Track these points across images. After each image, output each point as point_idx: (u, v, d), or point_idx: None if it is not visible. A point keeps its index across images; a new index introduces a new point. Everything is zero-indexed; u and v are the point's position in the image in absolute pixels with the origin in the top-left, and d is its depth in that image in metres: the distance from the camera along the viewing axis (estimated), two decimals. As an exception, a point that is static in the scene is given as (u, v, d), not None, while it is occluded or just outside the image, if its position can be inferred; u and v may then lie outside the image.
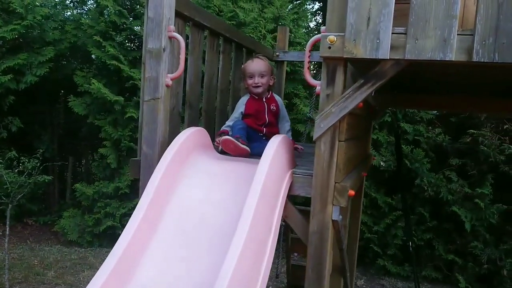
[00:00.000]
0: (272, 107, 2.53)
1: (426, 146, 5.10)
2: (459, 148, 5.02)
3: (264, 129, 2.47)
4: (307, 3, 8.37)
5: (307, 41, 6.17)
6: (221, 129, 2.49)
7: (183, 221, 1.68)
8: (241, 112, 2.50)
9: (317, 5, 9.79)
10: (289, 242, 4.04)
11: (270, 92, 2.59)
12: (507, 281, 4.74)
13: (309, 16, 7.96)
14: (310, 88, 5.92)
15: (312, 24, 9.41)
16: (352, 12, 1.62)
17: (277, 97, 2.60)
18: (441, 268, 5.03)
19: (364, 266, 5.27)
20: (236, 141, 2.15)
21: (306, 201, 2.09)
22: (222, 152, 2.30)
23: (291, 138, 2.46)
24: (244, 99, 2.56)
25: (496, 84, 2.70)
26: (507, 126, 4.76)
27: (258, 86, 2.48)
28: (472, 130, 4.84)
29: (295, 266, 4.55)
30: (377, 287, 4.97)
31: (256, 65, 2.50)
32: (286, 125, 2.55)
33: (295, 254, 5.02)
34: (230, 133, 2.31)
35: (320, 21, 10.04)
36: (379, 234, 5.14)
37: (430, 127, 5.17)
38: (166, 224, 1.68)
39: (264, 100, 2.53)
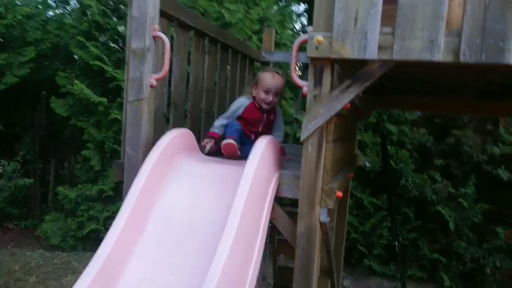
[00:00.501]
0: (271, 118, 2.50)
1: (411, 147, 5.15)
2: (443, 149, 5.07)
3: (253, 135, 2.44)
4: (293, 5, 8.39)
5: (293, 42, 6.16)
6: (212, 131, 2.45)
7: (169, 224, 1.64)
8: (239, 113, 2.45)
9: (302, 7, 9.81)
10: (275, 244, 4.02)
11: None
12: (490, 279, 4.81)
13: (294, 18, 7.98)
14: (296, 89, 5.91)
15: (297, 26, 9.43)
16: (340, 12, 1.61)
17: (278, 110, 2.55)
18: (426, 267, 5.08)
19: (350, 267, 5.28)
20: (237, 147, 2.15)
21: (293, 202, 2.08)
22: (209, 154, 2.27)
23: (281, 145, 2.44)
24: (244, 101, 2.48)
25: (480, 86, 2.73)
26: (489, 127, 4.83)
27: (270, 104, 2.42)
28: (455, 131, 4.90)
29: (281, 268, 4.53)
30: (363, 287, 4.99)
31: (276, 82, 2.39)
32: (279, 131, 2.51)
33: (282, 255, 5.00)
34: (224, 135, 2.29)
35: (306, 22, 10.06)
36: (364, 234, 5.17)
37: (414, 128, 5.22)
38: (152, 228, 1.64)
39: (265, 112, 2.46)
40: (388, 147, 4.93)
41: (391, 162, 4.91)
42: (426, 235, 5.05)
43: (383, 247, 5.13)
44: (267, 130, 2.51)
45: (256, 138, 2.38)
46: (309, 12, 9.65)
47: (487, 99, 3.11)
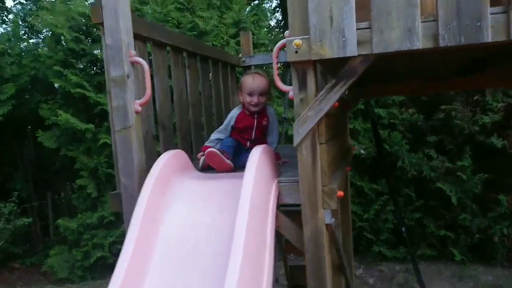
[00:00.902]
0: (263, 123, 2.49)
1: (402, 128, 5.16)
2: (434, 125, 5.09)
3: (248, 143, 2.44)
4: (265, 2, 8.38)
5: (270, 41, 6.14)
6: (205, 145, 2.45)
7: (174, 250, 1.63)
8: (232, 125, 2.47)
9: (275, 3, 9.81)
10: (283, 244, 4.01)
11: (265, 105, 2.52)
12: (499, 247, 4.84)
13: (268, 15, 7.98)
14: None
15: (272, 23, 9.44)
16: (314, 13, 1.60)
17: (270, 111, 2.53)
18: (434, 245, 5.09)
19: (360, 255, 5.29)
20: (221, 155, 2.12)
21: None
22: (203, 169, 2.26)
23: (275, 150, 2.43)
24: (235, 112, 2.50)
25: (460, 63, 2.73)
26: (476, 97, 4.85)
27: (257, 105, 2.42)
28: (444, 106, 4.92)
29: (292, 267, 4.53)
30: (376, 273, 5.00)
31: (258, 83, 2.41)
32: (273, 140, 2.49)
33: (291, 255, 5.00)
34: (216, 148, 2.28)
35: (280, 18, 10.07)
36: (369, 221, 5.17)
37: (403, 109, 5.23)
38: (158, 256, 1.62)
39: (255, 116, 2.46)
40: (380, 131, 4.94)
41: (385, 146, 4.93)
42: (430, 213, 5.07)
43: (390, 232, 5.14)
44: (262, 135, 2.50)
45: (251, 145, 2.40)
46: (282, 7, 9.65)
47: (469, 74, 3.12)
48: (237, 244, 1.45)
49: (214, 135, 2.53)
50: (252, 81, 2.42)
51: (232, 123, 2.48)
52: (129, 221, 1.75)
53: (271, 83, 2.62)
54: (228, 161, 2.15)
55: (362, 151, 5.01)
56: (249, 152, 2.29)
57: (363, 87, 3.28)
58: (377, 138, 4.03)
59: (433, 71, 3.09)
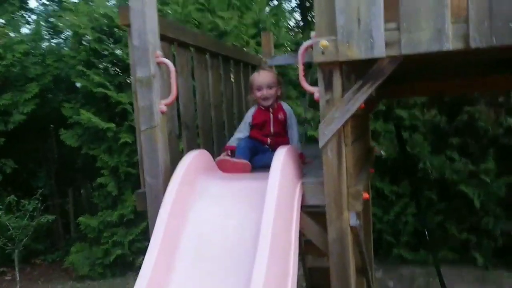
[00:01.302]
0: (279, 116, 2.52)
1: (424, 130, 5.08)
2: (457, 127, 5.00)
3: (269, 139, 2.48)
4: (284, 2, 8.37)
5: (290, 41, 6.13)
6: (228, 144, 2.47)
7: (200, 251, 1.63)
8: (249, 123, 2.54)
9: (294, 3, 9.78)
10: (302, 245, 3.99)
11: (278, 103, 2.57)
12: (524, 251, 4.73)
13: (287, 15, 7.96)
14: (300, 87, 5.88)
15: (291, 23, 9.41)
16: (341, 14, 1.59)
17: (285, 106, 2.58)
18: (456, 249, 5.00)
19: (380, 257, 5.23)
20: (229, 158, 2.18)
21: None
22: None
23: (300, 149, 2.45)
24: (251, 111, 2.59)
25: (487, 62, 2.68)
26: (501, 98, 4.75)
27: (267, 99, 2.49)
28: (467, 107, 4.83)
29: (311, 269, 4.51)
30: (396, 276, 4.94)
31: (263, 77, 2.51)
32: (294, 135, 2.51)
33: (310, 256, 4.98)
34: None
35: (299, 18, 10.03)
36: (390, 223, 5.12)
37: (425, 110, 5.15)
38: (184, 255, 1.63)
39: (271, 110, 2.52)
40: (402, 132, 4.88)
41: (407, 148, 4.86)
42: (452, 216, 4.98)
43: (410, 234, 5.07)
44: (281, 130, 2.53)
45: (271, 142, 2.46)
46: (301, 7, 9.63)
47: (495, 73, 3.05)
48: (263, 245, 1.45)
49: (235, 135, 2.59)
50: (258, 76, 2.53)
51: (249, 120, 2.55)
52: (154, 220, 1.76)
53: (280, 77, 2.71)
54: (239, 160, 2.18)
55: (382, 153, 4.95)
56: (269, 150, 2.34)
57: (386, 88, 3.24)
58: (400, 139, 3.99)
59: (458, 71, 3.04)
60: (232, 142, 2.52)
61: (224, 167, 2.17)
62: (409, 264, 5.11)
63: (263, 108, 2.54)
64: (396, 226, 5.11)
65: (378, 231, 5.07)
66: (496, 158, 4.78)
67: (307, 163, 2.44)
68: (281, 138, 2.48)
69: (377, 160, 4.96)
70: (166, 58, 2.06)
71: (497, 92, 4.71)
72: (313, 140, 5.27)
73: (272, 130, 2.50)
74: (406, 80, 3.29)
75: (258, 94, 2.51)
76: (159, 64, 1.97)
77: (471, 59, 2.54)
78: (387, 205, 5.16)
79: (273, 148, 2.33)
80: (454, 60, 2.45)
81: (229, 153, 2.37)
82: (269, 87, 2.49)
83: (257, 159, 2.30)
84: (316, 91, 1.73)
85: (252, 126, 2.54)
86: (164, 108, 1.98)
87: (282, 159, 1.77)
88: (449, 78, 3.25)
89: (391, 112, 5.08)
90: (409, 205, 5.03)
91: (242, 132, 2.55)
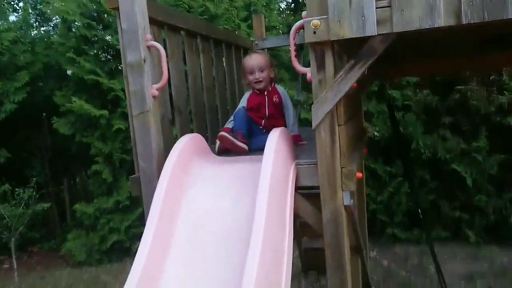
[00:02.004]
0: (274, 99, 2.51)
1: (417, 109, 5.10)
2: (449, 106, 5.02)
3: (263, 121, 2.46)
4: (275, -15, 8.26)
5: (281, 24, 6.08)
6: (225, 127, 2.47)
7: (195, 234, 1.65)
8: (243, 107, 2.51)
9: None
10: (298, 226, 4.03)
11: (273, 84, 2.56)
12: (515, 228, 4.81)
13: (279, -3, 7.88)
14: (293, 70, 5.86)
15: (283, 5, 9.32)
16: (332, -8, 1.57)
17: (280, 89, 2.57)
18: (449, 226, 5.07)
19: (374, 237, 5.29)
20: (233, 139, 2.14)
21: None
22: (221, 153, 2.27)
23: (297, 131, 2.45)
24: (246, 94, 2.58)
25: (480, 39, 2.68)
26: (493, 77, 4.76)
27: (259, 81, 2.47)
28: (459, 86, 4.85)
29: (306, 250, 4.56)
30: (390, 255, 5.01)
31: (255, 60, 2.49)
32: (290, 116, 2.51)
33: (304, 237, 5.03)
34: (231, 128, 2.31)
35: (290, 0, 9.93)
36: (383, 203, 5.17)
37: (417, 90, 5.16)
38: (179, 239, 1.64)
39: (265, 93, 2.51)
40: (395, 113, 4.89)
41: (400, 128, 4.88)
42: (444, 195, 5.04)
43: (403, 214, 5.13)
44: (276, 112, 2.52)
45: (265, 123, 2.45)
46: (293, -11, 9.51)
47: (487, 53, 3.05)
48: (258, 227, 1.46)
49: (230, 118, 2.55)
50: (250, 59, 2.52)
51: (244, 104, 2.54)
52: (148, 204, 1.77)
53: (273, 59, 2.68)
54: (241, 144, 2.16)
55: (375, 133, 4.97)
56: (264, 132, 2.33)
57: (378, 69, 3.24)
58: (393, 120, 3.99)
59: (450, 51, 3.04)
60: (230, 123, 2.48)
61: (224, 142, 2.17)
62: (403, 243, 5.18)
63: (257, 92, 2.52)
64: (389, 206, 5.17)
65: (372, 211, 5.13)
66: (488, 136, 4.81)
67: (303, 144, 2.44)
68: (276, 120, 2.46)
69: (371, 141, 4.99)
70: (156, 42, 2.04)
71: (488, 71, 4.72)
72: (306, 122, 5.29)
73: (267, 112, 2.49)
74: (398, 61, 3.28)
75: (250, 77, 2.49)
76: (149, 48, 1.95)
77: (463, 38, 2.53)
78: (380, 185, 5.21)
79: (267, 130, 2.30)
80: (445, 39, 2.44)
81: (232, 135, 2.36)
82: (261, 70, 2.47)
83: (253, 142, 2.29)
84: (308, 72, 1.73)
85: (248, 110, 2.52)
86: (156, 93, 1.97)
87: (275, 141, 1.77)
88: (441, 58, 3.25)
89: (384, 93, 5.07)
90: (402, 185, 5.07)
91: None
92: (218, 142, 2.31)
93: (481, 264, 4.55)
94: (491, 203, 4.80)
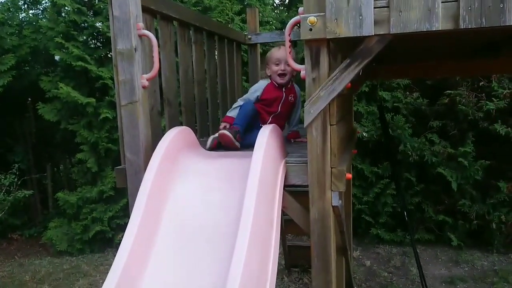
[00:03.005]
0: (290, 98, 2.47)
1: (406, 112, 5.12)
2: (438, 110, 5.05)
3: (270, 118, 2.42)
4: (270, -21, 8.20)
5: (275, 19, 6.04)
6: (227, 115, 2.42)
7: (181, 228, 1.61)
8: (258, 96, 2.44)
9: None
10: (283, 224, 4.03)
11: (292, 82, 2.52)
12: (496, 234, 4.86)
13: (273, -8, 7.83)
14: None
15: (277, 0, 9.27)
16: (331, -11, 1.55)
17: (297, 88, 2.53)
18: (432, 229, 5.12)
19: (358, 237, 5.32)
20: (233, 138, 2.13)
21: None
22: (212, 149, 2.23)
23: (297, 127, 2.43)
24: (263, 83, 2.48)
25: (472, 45, 2.69)
26: (482, 83, 4.80)
27: (284, 74, 2.41)
28: (449, 91, 4.87)
29: (290, 247, 4.57)
30: (373, 255, 5.04)
31: (283, 52, 2.40)
32: (297, 117, 2.50)
33: (289, 234, 5.03)
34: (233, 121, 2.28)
35: (284, -5, 9.88)
36: (369, 204, 5.19)
37: (407, 93, 5.18)
38: (164, 234, 1.61)
39: (284, 89, 2.45)
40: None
41: (389, 130, 4.89)
42: (429, 198, 5.08)
43: (388, 215, 5.16)
44: (286, 112, 2.48)
45: (272, 121, 2.39)
46: (288, -15, 9.47)
47: (479, 58, 3.07)
48: (245, 223, 1.44)
49: (236, 104, 2.50)
50: (278, 51, 2.45)
51: (258, 93, 2.45)
52: (134, 196, 1.73)
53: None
54: (237, 143, 2.15)
55: (364, 134, 4.98)
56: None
57: (370, 69, 3.24)
58: (383, 121, 4.00)
59: (443, 55, 3.05)
60: (232, 111, 2.45)
61: (223, 140, 2.15)
62: (386, 244, 5.22)
63: (276, 85, 2.45)
64: (375, 207, 5.19)
65: (357, 211, 5.14)
66: (475, 142, 4.86)
67: (302, 141, 2.41)
68: (281, 120, 2.44)
69: (359, 141, 5.00)
70: (149, 31, 2.00)
71: (478, 76, 4.75)
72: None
73: (279, 109, 2.44)
74: (390, 62, 3.28)
75: (275, 68, 2.41)
76: (140, 36, 1.90)
77: (456, 43, 2.53)
78: (366, 186, 5.23)
79: None
80: (439, 42, 2.44)
81: (227, 126, 2.33)
82: (287, 63, 2.38)
83: (247, 138, 2.24)
84: (303, 69, 1.70)
85: (259, 100, 2.45)
86: (146, 83, 1.93)
87: (266, 137, 1.74)
88: (434, 61, 3.26)
89: (374, 94, 5.09)
90: (388, 186, 5.10)
91: (246, 101, 2.46)
92: (211, 139, 2.26)
93: (462, 267, 4.61)
94: (475, 208, 4.85)
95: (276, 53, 2.44)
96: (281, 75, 2.41)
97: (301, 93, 2.53)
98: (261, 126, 2.34)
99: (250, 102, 2.40)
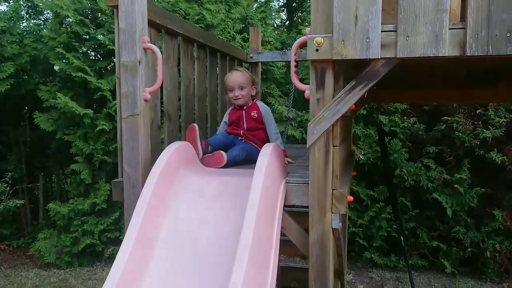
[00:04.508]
0: (252, 114, 2.57)
1: (403, 136, 5.14)
2: (435, 136, 5.07)
3: (242, 131, 2.53)
4: (272, 1, 8.32)
5: (276, 40, 6.09)
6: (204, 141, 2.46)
7: (178, 246, 1.58)
8: (225, 121, 2.65)
9: (281, 1, 9.76)
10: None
11: (253, 101, 2.63)
12: (491, 262, 4.83)
13: (274, 14, 7.93)
14: (283, 86, 5.86)
15: (277, 21, 9.38)
16: (339, 11, 1.55)
17: (260, 105, 2.62)
18: (426, 255, 5.08)
19: (352, 260, 5.27)
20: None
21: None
22: (204, 154, 2.25)
23: (281, 147, 2.42)
24: (228, 110, 2.69)
25: (473, 73, 2.71)
26: (479, 111, 4.84)
27: (238, 99, 2.54)
28: (446, 117, 4.90)
29: (283, 268, 4.50)
30: (366, 280, 4.98)
31: (235, 78, 2.55)
32: (272, 133, 2.54)
33: (282, 255, 4.97)
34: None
35: (285, 17, 10.02)
36: (363, 227, 5.15)
37: (405, 117, 5.21)
38: (160, 250, 1.57)
39: (244, 108, 2.58)
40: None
41: (389, 154, 4.90)
42: (424, 223, 5.06)
43: (382, 239, 5.12)
44: (254, 126, 2.56)
45: (245, 133, 2.51)
46: (288, 6, 9.61)
47: (478, 87, 3.10)
48: (244, 243, 1.41)
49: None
50: (230, 76, 2.58)
51: (226, 119, 2.65)
52: (130, 211, 1.70)
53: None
54: (199, 143, 2.16)
55: (361, 157, 4.98)
56: (243, 142, 2.45)
57: (373, 92, 3.24)
58: (383, 145, 4.00)
59: (443, 81, 3.07)
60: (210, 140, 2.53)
61: (207, 163, 2.17)
62: (379, 269, 5.16)
63: (237, 107, 2.60)
64: (369, 230, 5.15)
65: (351, 234, 5.10)
66: (471, 169, 4.87)
67: (287, 162, 2.41)
68: (255, 132, 2.53)
69: (355, 164, 4.99)
70: (153, 44, 1.99)
71: (475, 104, 4.79)
72: (292, 140, 5.27)
73: (245, 126, 2.55)
74: (390, 86, 3.30)
75: (230, 94, 2.57)
76: (145, 49, 1.90)
77: (458, 71, 2.55)
78: (361, 209, 5.20)
79: (247, 138, 2.47)
80: (442, 69, 2.46)
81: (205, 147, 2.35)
82: (241, 87, 2.53)
83: (230, 151, 2.29)
84: (307, 89, 1.70)
85: (230, 124, 2.63)
86: (148, 96, 1.91)
87: (268, 156, 1.72)
88: (433, 87, 3.28)
89: (372, 117, 5.11)
90: (383, 210, 5.08)
91: (220, 130, 2.68)
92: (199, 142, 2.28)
93: (455, 295, 4.56)
94: (469, 236, 4.83)
95: (229, 80, 2.56)
96: (236, 99, 2.55)
97: (268, 108, 2.63)
98: (241, 140, 2.50)
99: (222, 133, 2.57)
